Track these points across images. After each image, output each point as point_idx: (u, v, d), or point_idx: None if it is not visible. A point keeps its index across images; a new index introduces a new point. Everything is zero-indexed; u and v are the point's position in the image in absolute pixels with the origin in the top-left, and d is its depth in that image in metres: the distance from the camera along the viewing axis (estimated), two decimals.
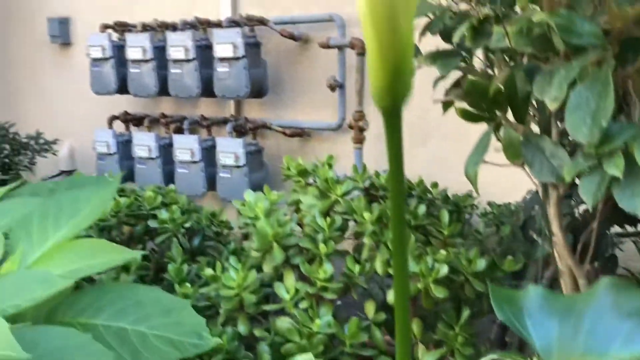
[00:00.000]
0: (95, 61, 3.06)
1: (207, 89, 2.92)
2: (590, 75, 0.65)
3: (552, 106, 0.68)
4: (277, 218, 1.26)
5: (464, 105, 0.89)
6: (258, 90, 2.90)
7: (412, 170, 2.69)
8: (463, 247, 1.26)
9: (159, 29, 3.03)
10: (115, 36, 3.10)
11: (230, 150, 2.87)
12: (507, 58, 0.84)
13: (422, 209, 1.30)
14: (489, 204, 1.98)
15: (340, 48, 2.75)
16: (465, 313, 1.16)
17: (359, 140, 2.73)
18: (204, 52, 2.89)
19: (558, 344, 0.55)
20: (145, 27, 3.05)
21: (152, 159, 3.03)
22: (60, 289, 0.87)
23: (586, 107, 0.64)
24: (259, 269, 1.28)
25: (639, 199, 0.64)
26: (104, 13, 3.27)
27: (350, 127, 2.73)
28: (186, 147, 2.95)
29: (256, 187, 2.97)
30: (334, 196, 1.30)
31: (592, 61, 0.66)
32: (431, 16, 0.96)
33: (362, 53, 2.66)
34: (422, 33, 1.02)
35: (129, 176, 3.15)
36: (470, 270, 1.16)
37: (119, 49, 3.04)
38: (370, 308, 1.23)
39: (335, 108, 2.87)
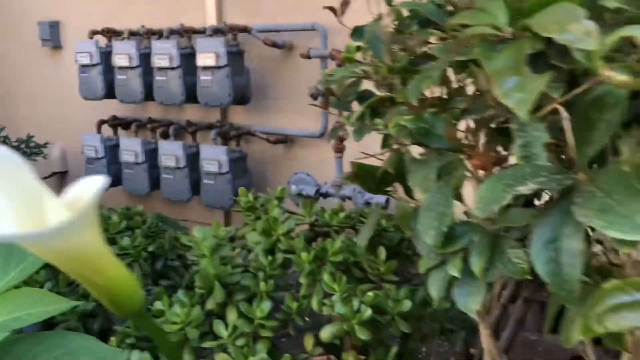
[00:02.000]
0: (83, 67, 3.17)
1: (192, 96, 3.02)
2: (443, 179, 0.73)
3: (420, 197, 0.76)
4: (221, 255, 1.36)
5: None
6: (241, 98, 2.99)
7: None
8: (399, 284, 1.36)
9: (145, 36, 3.11)
10: (103, 42, 3.19)
11: (213, 157, 2.97)
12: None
13: (361, 247, 1.39)
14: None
15: (322, 58, 2.82)
16: (393, 350, 1.26)
17: (340, 150, 2.81)
18: (189, 59, 2.98)
19: None
20: (132, 34, 3.14)
21: (138, 164, 3.14)
22: None
23: (436, 209, 0.72)
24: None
25: (472, 298, 0.73)
26: (93, 17, 3.37)
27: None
28: (171, 153, 3.06)
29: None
30: (276, 235, 1.40)
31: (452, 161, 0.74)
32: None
33: (341, 65, 2.73)
34: (341, 95, 1.10)
35: (117, 180, 3.28)
36: (396, 311, 1.25)
37: (106, 55, 3.13)
38: (308, 343, 1.34)
39: (319, 116, 2.95)
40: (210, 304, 1.34)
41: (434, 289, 0.75)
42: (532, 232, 0.62)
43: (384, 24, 1.10)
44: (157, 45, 2.99)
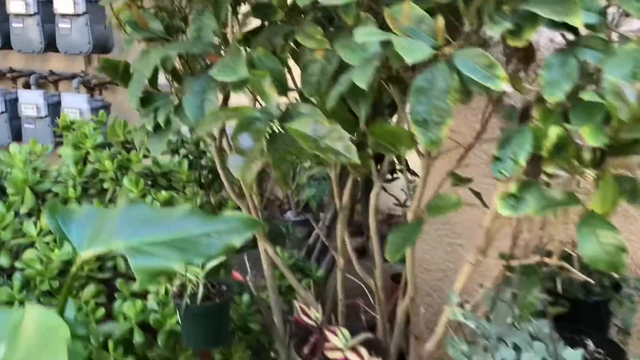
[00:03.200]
0: None
1: (52, 45, 3.11)
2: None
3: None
4: (33, 167, 1.56)
5: None
6: (103, 47, 3.12)
7: None
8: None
9: None
10: None
11: (74, 105, 3.10)
12: None
13: (165, 160, 1.62)
14: None
15: None
16: None
17: None
18: (48, 7, 3.07)
19: (89, 238, 0.88)
20: None
21: None
22: None
23: (137, 80, 0.97)
24: None
25: (159, 145, 1.00)
26: None
27: None
28: (32, 102, 3.16)
29: None
30: (85, 148, 1.61)
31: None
32: None
33: None
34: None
35: None
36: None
37: None
38: None
39: None
40: (23, 209, 1.53)
41: (136, 141, 1.01)
42: (189, 87, 0.87)
43: None
44: None
